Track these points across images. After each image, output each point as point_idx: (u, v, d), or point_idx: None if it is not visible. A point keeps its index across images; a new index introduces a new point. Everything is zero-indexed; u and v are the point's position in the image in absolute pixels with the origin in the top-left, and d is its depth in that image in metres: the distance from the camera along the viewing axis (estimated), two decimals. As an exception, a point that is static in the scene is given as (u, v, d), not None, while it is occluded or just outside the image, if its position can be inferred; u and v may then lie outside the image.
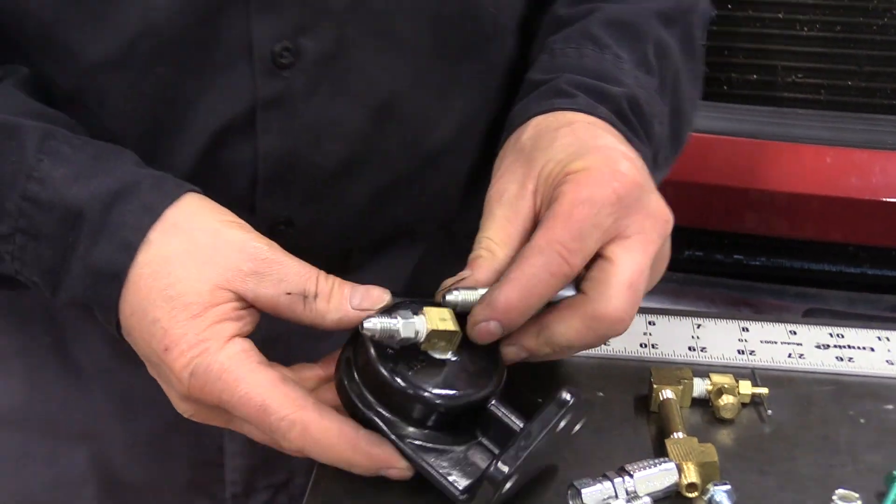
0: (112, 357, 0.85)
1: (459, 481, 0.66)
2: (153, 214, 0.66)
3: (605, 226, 0.68)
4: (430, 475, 0.66)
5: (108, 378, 0.86)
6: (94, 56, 0.74)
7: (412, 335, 0.66)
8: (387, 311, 0.67)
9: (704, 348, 0.85)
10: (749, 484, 0.70)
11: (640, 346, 0.85)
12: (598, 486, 0.67)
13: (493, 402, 0.68)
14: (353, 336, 0.69)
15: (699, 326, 0.88)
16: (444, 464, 0.67)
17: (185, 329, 0.65)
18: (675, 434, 0.73)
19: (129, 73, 0.74)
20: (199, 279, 0.65)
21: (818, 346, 0.86)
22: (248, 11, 0.73)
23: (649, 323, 0.88)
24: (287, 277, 0.66)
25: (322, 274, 0.67)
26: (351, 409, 0.67)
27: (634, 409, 0.78)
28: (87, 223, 0.67)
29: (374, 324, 0.65)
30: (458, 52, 0.81)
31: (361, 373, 0.67)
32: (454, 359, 0.68)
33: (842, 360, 0.84)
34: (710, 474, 0.69)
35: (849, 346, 0.86)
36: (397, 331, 0.66)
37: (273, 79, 0.75)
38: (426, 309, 0.67)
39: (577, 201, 0.68)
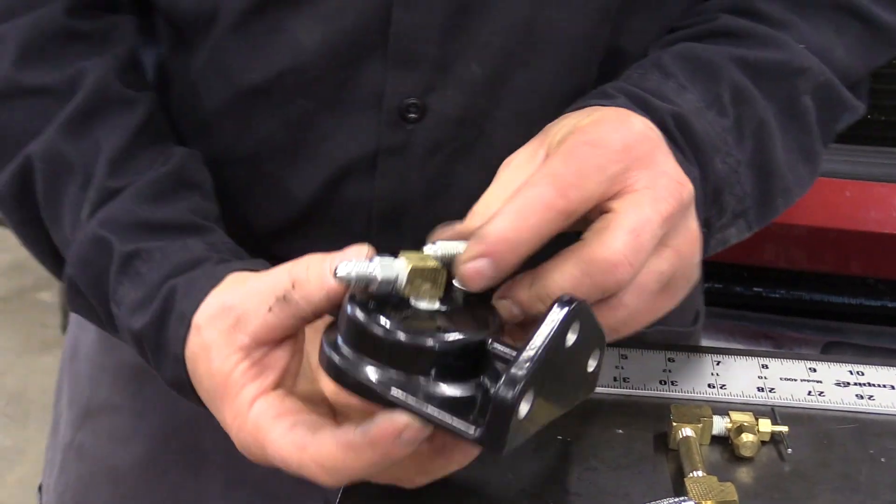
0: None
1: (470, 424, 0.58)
2: (186, 323, 0.68)
3: (609, 171, 0.62)
4: (436, 420, 0.58)
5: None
6: (247, 81, 0.80)
7: (391, 276, 0.60)
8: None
9: (724, 385, 0.85)
10: (769, 523, 0.70)
11: (660, 383, 0.85)
12: (618, 524, 0.67)
13: (490, 342, 0.60)
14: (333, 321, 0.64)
15: (718, 363, 0.88)
16: (447, 408, 0.59)
17: (222, 414, 0.67)
18: (694, 472, 0.73)
19: (273, 100, 0.80)
20: (209, 364, 0.66)
21: (838, 384, 0.86)
22: (384, 65, 0.77)
23: (668, 360, 0.88)
24: (258, 298, 0.64)
25: (292, 263, 0.64)
26: (340, 380, 0.61)
27: (654, 446, 0.78)
28: (147, 346, 0.72)
29: (349, 268, 0.60)
30: None
31: (345, 336, 0.61)
32: (444, 309, 0.62)
33: (862, 397, 0.84)
34: (729, 513, 0.69)
35: (869, 384, 0.86)
36: (374, 274, 0.60)
37: (397, 130, 0.79)
38: (404, 252, 0.61)
39: (580, 142, 0.63)
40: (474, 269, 0.60)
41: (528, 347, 0.57)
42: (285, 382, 0.66)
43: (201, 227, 0.77)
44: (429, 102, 0.78)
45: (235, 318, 0.65)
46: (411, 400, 0.59)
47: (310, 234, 0.86)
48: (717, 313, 1.73)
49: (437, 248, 0.62)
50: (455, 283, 0.62)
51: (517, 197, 0.61)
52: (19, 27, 0.78)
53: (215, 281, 0.69)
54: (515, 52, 0.77)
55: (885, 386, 0.86)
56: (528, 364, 0.56)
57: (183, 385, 0.70)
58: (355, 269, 0.60)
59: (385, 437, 0.59)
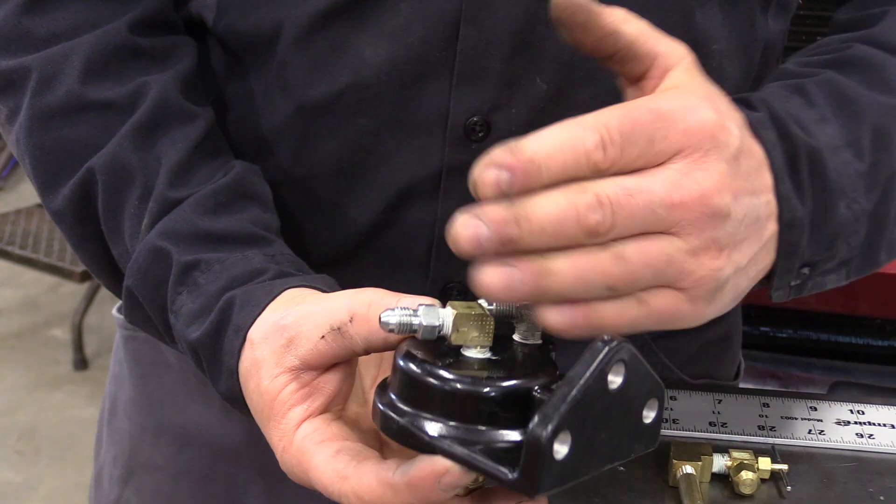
0: None
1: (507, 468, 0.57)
2: (241, 335, 0.68)
3: (657, 144, 0.59)
4: (475, 462, 0.57)
5: None
6: (308, 98, 0.80)
7: (436, 323, 0.59)
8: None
9: (725, 423, 0.86)
10: (767, 560, 0.71)
11: (662, 420, 0.86)
12: (617, 560, 0.68)
13: (538, 388, 0.58)
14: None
15: (720, 402, 0.89)
16: (489, 458, 0.57)
17: (269, 433, 0.66)
18: (694, 509, 0.74)
19: (335, 119, 0.80)
20: (259, 381, 0.66)
21: (838, 422, 0.87)
22: (450, 84, 0.78)
23: (671, 398, 0.89)
24: (315, 324, 0.64)
25: (356, 295, 0.64)
26: (386, 426, 0.60)
27: (655, 484, 0.79)
28: (203, 357, 0.71)
29: (392, 315, 0.60)
30: None
31: (393, 383, 0.61)
32: (495, 357, 0.60)
33: (862, 436, 0.85)
34: (728, 550, 0.70)
35: (869, 423, 0.87)
36: (418, 321, 0.59)
37: (463, 149, 0.79)
38: (451, 302, 0.61)
39: (644, 105, 0.60)
40: (493, 175, 0.56)
41: (563, 384, 0.55)
42: (334, 406, 0.66)
43: (261, 239, 0.77)
44: (494, 120, 0.78)
45: (288, 339, 0.65)
46: (457, 449, 0.57)
47: (366, 261, 0.85)
48: (725, 352, 1.74)
49: (492, 306, 0.61)
50: (515, 336, 0.62)
51: (559, 126, 0.58)
52: (84, 44, 0.79)
53: (273, 295, 0.69)
54: (580, 66, 0.77)
55: (885, 425, 0.87)
56: (562, 403, 0.54)
57: (236, 398, 0.69)
58: (398, 315, 0.60)
59: (424, 480, 0.58)
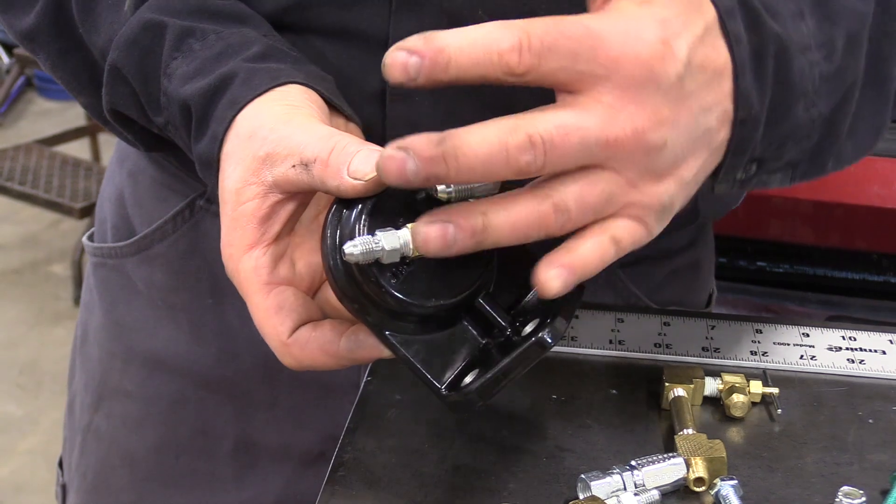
0: None
1: (441, 373, 0.65)
2: (236, 107, 0.69)
3: (580, 66, 0.58)
4: (412, 366, 0.65)
5: (257, 346, 0.90)
6: (262, 11, 0.79)
7: (397, 245, 0.60)
8: (366, 210, 0.63)
9: (718, 349, 0.87)
10: (756, 480, 0.72)
11: (655, 346, 0.87)
12: (608, 479, 0.69)
13: (479, 300, 0.65)
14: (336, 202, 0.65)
15: (713, 328, 0.90)
16: (426, 353, 0.65)
17: (224, 229, 0.68)
18: (684, 430, 0.74)
19: (289, 34, 0.80)
20: (233, 178, 0.67)
21: (830, 349, 0.88)
22: (389, 9, 0.78)
23: (664, 324, 0.90)
24: (292, 150, 0.65)
25: (325, 136, 0.64)
26: (340, 296, 0.65)
27: (647, 406, 0.80)
28: (193, 117, 0.72)
29: (355, 247, 0.60)
30: None
31: (342, 264, 0.64)
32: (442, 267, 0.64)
33: (853, 362, 0.86)
34: (717, 469, 0.71)
35: (861, 349, 0.88)
36: (380, 247, 0.60)
37: None
38: (409, 226, 0.60)
39: (576, 20, 0.59)
40: (401, 61, 0.57)
41: (496, 369, 0.62)
42: (284, 233, 0.68)
43: (258, 20, 0.77)
44: None
45: (266, 154, 0.66)
46: (399, 352, 0.65)
47: None
48: (721, 287, 1.73)
49: (451, 189, 0.61)
50: None
51: (479, 29, 0.58)
52: None
53: (276, 82, 0.70)
54: (522, 1, 0.77)
55: (876, 351, 0.88)
56: (484, 381, 0.62)
57: (210, 165, 0.70)
58: (361, 246, 0.61)
59: (366, 359, 0.66)
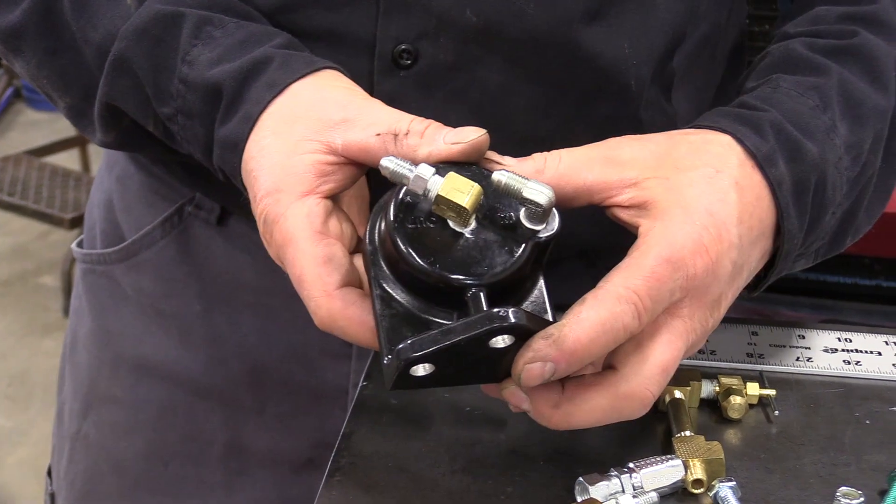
0: (251, 333, 0.92)
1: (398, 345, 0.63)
2: (275, 89, 0.69)
3: (673, 297, 0.65)
4: (378, 327, 0.65)
5: (246, 352, 0.93)
6: (257, 7, 0.79)
7: (419, 191, 0.62)
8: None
9: (714, 352, 0.87)
10: (754, 481, 0.72)
11: (650, 348, 0.86)
12: (605, 481, 0.68)
13: (472, 291, 0.63)
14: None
15: (709, 330, 0.89)
16: (400, 323, 0.64)
17: (266, 177, 0.67)
18: (682, 433, 0.74)
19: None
20: (290, 134, 0.67)
21: (826, 350, 0.87)
22: (377, 11, 0.78)
23: (659, 326, 0.89)
24: (377, 121, 0.66)
25: (417, 118, 0.67)
26: (366, 230, 0.67)
27: (643, 409, 0.80)
28: (224, 99, 0.71)
29: (391, 162, 0.63)
30: (588, 91, 0.81)
31: (378, 223, 0.66)
32: (469, 236, 0.64)
33: (849, 363, 0.86)
34: (716, 471, 0.70)
35: (857, 350, 0.88)
36: (407, 178, 0.63)
37: (391, 75, 0.79)
38: (451, 175, 0.62)
39: (661, 258, 0.64)
40: (539, 372, 0.62)
41: (446, 330, 0.61)
42: (336, 199, 0.68)
43: (262, 20, 0.77)
44: (422, 48, 0.78)
45: (343, 118, 0.66)
46: (378, 301, 0.65)
47: None
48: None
49: (504, 177, 0.62)
50: (522, 216, 0.64)
51: (601, 307, 0.62)
52: None
53: (313, 67, 0.70)
54: (511, 1, 0.77)
55: (872, 352, 0.87)
56: (434, 343, 0.61)
57: (236, 146, 0.70)
58: (395, 165, 0.63)
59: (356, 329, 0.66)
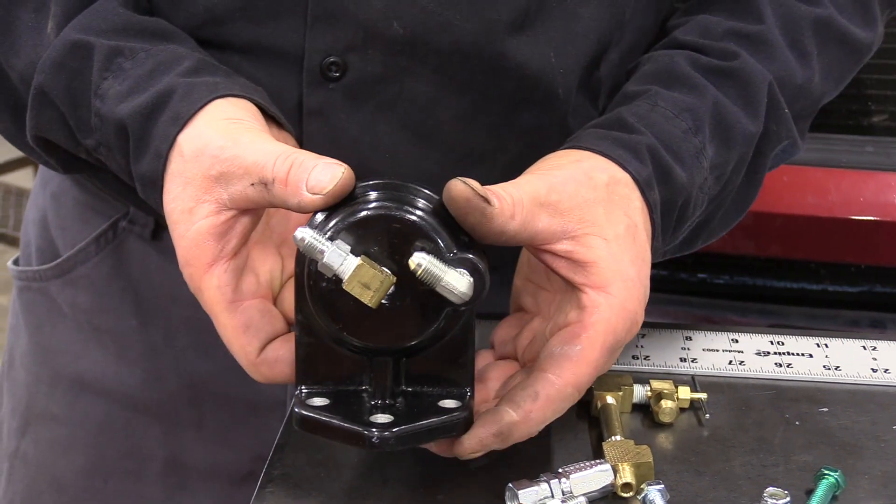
0: (187, 347, 0.92)
1: (311, 379, 0.68)
2: (179, 123, 0.69)
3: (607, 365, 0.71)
4: (295, 356, 0.68)
5: (183, 367, 0.93)
6: (178, 24, 0.79)
7: (333, 266, 0.62)
8: (349, 214, 0.64)
9: (647, 356, 0.87)
10: (684, 484, 0.73)
11: (585, 355, 0.87)
12: (535, 487, 0.69)
13: (384, 358, 0.67)
14: None
15: (643, 336, 0.90)
16: (319, 360, 0.67)
17: (179, 249, 0.68)
18: (612, 437, 0.75)
19: (207, 51, 0.79)
20: (185, 198, 0.68)
21: (758, 353, 0.89)
22: (304, 24, 0.78)
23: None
24: (248, 169, 0.66)
25: (282, 154, 0.65)
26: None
27: (576, 415, 0.80)
28: (132, 136, 0.72)
29: (305, 234, 0.62)
30: (516, 100, 0.82)
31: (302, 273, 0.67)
32: (384, 301, 0.64)
33: (780, 365, 0.87)
34: (644, 475, 0.71)
35: (788, 353, 0.89)
36: (322, 254, 0.62)
37: (320, 88, 0.80)
38: (360, 266, 0.62)
39: (606, 348, 0.68)
40: (480, 443, 0.67)
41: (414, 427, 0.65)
42: (242, 249, 0.69)
43: (182, 37, 0.77)
44: (350, 60, 0.79)
45: (220, 172, 0.66)
46: (299, 327, 0.67)
47: None
48: (662, 299, 1.75)
49: (424, 263, 0.62)
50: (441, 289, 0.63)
51: (546, 405, 0.67)
52: None
53: (215, 95, 0.70)
54: (440, 13, 0.78)
55: (803, 354, 0.89)
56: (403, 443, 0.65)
57: (154, 183, 0.70)
58: (311, 238, 0.62)
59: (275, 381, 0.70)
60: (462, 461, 0.72)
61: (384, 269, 0.63)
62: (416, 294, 0.64)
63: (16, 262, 1.02)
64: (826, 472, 0.71)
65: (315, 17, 0.77)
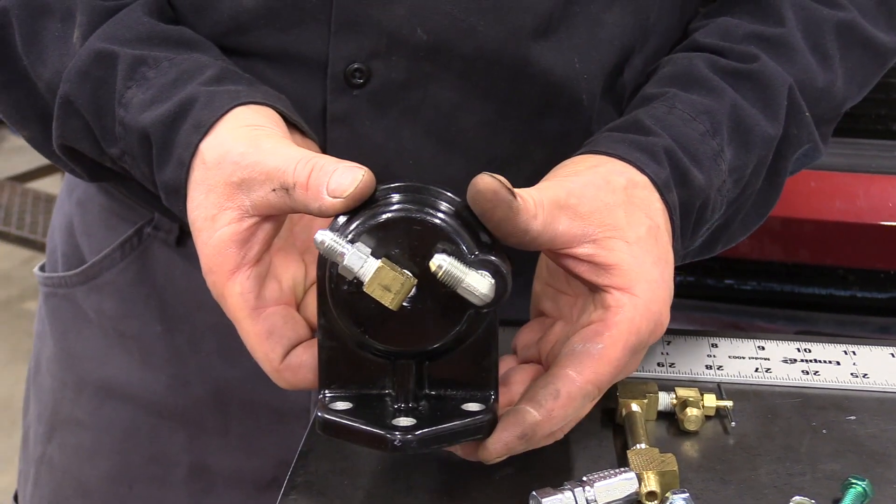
0: (212, 353, 0.92)
1: (335, 382, 0.67)
2: (201, 131, 0.69)
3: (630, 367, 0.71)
4: (318, 359, 0.68)
5: (208, 372, 0.93)
6: (201, 34, 0.79)
7: (354, 268, 0.62)
8: (369, 218, 0.64)
9: (673, 364, 0.87)
10: (709, 493, 0.72)
11: (610, 362, 0.86)
12: (559, 495, 0.68)
13: (400, 361, 0.67)
14: None
15: (668, 343, 0.90)
16: (342, 363, 0.67)
17: (202, 257, 0.69)
18: (637, 445, 0.74)
19: (231, 58, 0.79)
20: (208, 206, 0.68)
21: (785, 361, 0.88)
22: (328, 31, 0.78)
23: (620, 340, 0.89)
24: (270, 174, 0.66)
25: (303, 159, 0.66)
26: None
27: (601, 423, 0.80)
28: (155, 145, 0.72)
29: (324, 238, 0.62)
30: (540, 106, 0.82)
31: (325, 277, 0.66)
32: (406, 304, 0.64)
33: (808, 373, 0.86)
34: (669, 483, 0.71)
35: (815, 360, 0.88)
36: (343, 256, 0.62)
37: (343, 94, 0.80)
38: (381, 268, 0.62)
39: (628, 348, 0.68)
40: (505, 446, 0.66)
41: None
42: (265, 254, 0.69)
43: (207, 46, 0.78)
44: (374, 67, 0.79)
45: (241, 179, 0.67)
46: (323, 331, 0.67)
47: None
48: (689, 305, 1.74)
49: (445, 265, 0.62)
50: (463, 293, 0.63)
51: (566, 402, 0.66)
52: None
53: (236, 102, 0.70)
54: (463, 19, 0.78)
55: (830, 362, 0.88)
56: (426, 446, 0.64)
57: (178, 191, 0.71)
58: (331, 241, 0.62)
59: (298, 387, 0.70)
60: (486, 468, 0.72)
61: (405, 271, 0.63)
62: (437, 297, 0.64)
63: (42, 269, 1.02)
64: (854, 481, 0.70)
65: (339, 25, 0.77)
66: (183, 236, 0.91)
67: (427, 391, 0.68)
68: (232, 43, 0.79)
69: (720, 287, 1.77)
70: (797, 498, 0.69)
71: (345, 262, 0.62)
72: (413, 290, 0.63)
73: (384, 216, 0.64)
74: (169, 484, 0.94)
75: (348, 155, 0.74)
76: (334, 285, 0.64)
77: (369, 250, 0.63)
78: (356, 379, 0.68)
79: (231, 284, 0.67)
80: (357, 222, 0.64)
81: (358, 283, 0.63)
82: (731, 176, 0.78)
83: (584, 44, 0.80)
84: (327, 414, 0.65)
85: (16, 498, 1.07)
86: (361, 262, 0.62)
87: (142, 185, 0.79)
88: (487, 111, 0.81)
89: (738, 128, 0.78)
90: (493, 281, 0.63)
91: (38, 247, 3.67)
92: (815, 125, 0.83)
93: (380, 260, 0.62)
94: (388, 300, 0.62)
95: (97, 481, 0.96)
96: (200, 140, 0.69)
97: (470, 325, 0.66)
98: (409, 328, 0.65)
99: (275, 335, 0.68)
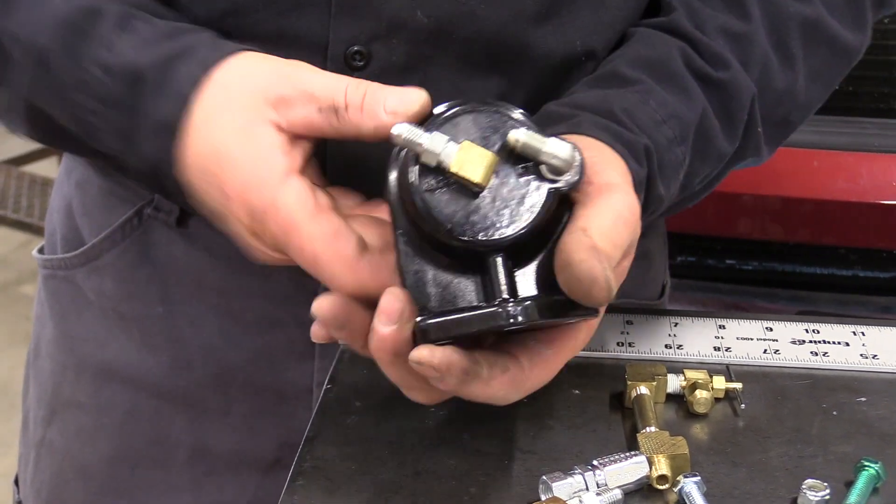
0: (214, 335, 0.91)
1: (431, 302, 0.64)
2: (206, 66, 0.67)
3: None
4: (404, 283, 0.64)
5: (209, 354, 0.92)
6: (196, 20, 0.77)
7: (431, 162, 0.61)
8: (437, 120, 0.62)
9: (681, 346, 0.86)
10: (720, 475, 0.71)
11: (617, 344, 0.86)
12: (569, 479, 0.68)
13: (494, 256, 0.63)
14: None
15: (676, 325, 0.89)
16: (428, 283, 0.64)
17: (235, 172, 0.65)
18: (647, 428, 0.74)
19: (229, 38, 0.76)
20: (233, 123, 0.65)
21: (794, 342, 0.87)
22: (328, 14, 0.77)
23: (627, 322, 0.89)
24: (315, 94, 0.64)
25: (353, 82, 0.64)
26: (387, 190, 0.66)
27: (609, 406, 0.79)
28: (148, 84, 0.69)
29: (402, 130, 0.61)
30: (542, 89, 0.81)
31: (398, 176, 0.65)
32: (486, 193, 0.62)
33: (817, 354, 0.85)
34: (680, 466, 0.70)
35: (824, 342, 0.87)
36: (419, 147, 0.61)
37: None
38: (465, 145, 0.61)
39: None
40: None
41: (466, 317, 0.61)
42: (308, 171, 0.66)
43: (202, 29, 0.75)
44: (374, 50, 0.78)
45: (280, 96, 0.65)
46: (402, 252, 0.64)
47: None
48: (690, 286, 1.74)
49: (522, 137, 0.61)
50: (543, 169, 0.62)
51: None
52: None
53: (242, 48, 0.68)
54: (465, 2, 0.76)
55: (839, 343, 0.87)
56: (447, 332, 0.62)
57: (172, 130, 0.67)
58: (408, 132, 0.61)
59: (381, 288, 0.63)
60: (493, 451, 0.71)
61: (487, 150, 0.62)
62: (518, 184, 0.62)
63: (41, 251, 1.01)
64: (867, 463, 0.70)
65: (339, 8, 0.76)
66: (184, 217, 0.90)
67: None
68: (229, 26, 0.78)
69: (721, 267, 1.77)
70: (809, 480, 0.69)
71: (427, 147, 0.61)
72: (496, 168, 0.62)
73: (453, 110, 0.63)
74: (170, 466, 0.94)
75: (348, 140, 0.73)
76: (413, 185, 0.62)
77: (447, 137, 0.62)
78: (444, 300, 0.64)
79: (284, 189, 0.63)
80: (440, 115, 0.63)
81: (439, 175, 0.61)
82: (683, 180, 0.77)
83: (586, 27, 0.79)
84: (432, 319, 0.62)
85: (16, 482, 1.06)
86: (443, 144, 0.61)
87: (137, 172, 0.77)
88: (488, 94, 0.80)
89: (701, 138, 0.78)
90: (572, 145, 0.62)
91: (35, 230, 3.66)
92: (773, 128, 0.82)
93: (461, 144, 0.61)
94: (479, 175, 0.61)
95: (98, 464, 0.95)
96: (206, 72, 0.66)
97: (550, 215, 0.63)
98: (492, 217, 0.62)
99: (343, 234, 0.64)
